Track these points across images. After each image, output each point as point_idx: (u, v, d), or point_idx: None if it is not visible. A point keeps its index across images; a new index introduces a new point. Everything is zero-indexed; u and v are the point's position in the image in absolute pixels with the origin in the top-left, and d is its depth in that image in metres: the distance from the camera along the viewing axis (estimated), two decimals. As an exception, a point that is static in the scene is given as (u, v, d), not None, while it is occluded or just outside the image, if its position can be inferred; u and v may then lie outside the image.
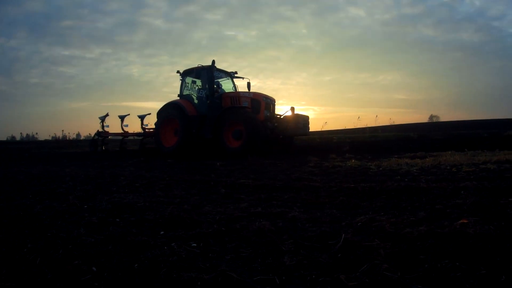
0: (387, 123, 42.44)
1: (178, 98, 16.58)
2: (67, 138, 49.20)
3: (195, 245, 2.96)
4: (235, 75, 17.23)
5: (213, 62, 15.48)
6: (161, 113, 16.18)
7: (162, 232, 3.34)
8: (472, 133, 24.01)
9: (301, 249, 2.77)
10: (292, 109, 15.21)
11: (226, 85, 16.68)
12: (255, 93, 15.44)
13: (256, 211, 4.08)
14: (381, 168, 7.95)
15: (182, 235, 3.21)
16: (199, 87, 16.28)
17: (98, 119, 20.25)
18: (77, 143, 37.48)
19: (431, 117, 71.91)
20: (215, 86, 15.52)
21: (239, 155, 13.18)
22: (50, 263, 2.51)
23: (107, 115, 20.20)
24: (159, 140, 16.04)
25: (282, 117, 15.51)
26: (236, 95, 15.48)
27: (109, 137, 20.87)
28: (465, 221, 3.27)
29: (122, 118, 19.80)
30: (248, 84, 16.94)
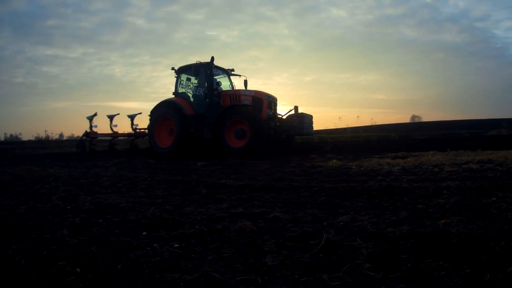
0: (369, 123, 42.77)
1: (173, 96, 16.20)
2: (50, 139, 48.73)
3: (178, 245, 3.01)
4: (232, 72, 17.00)
5: (212, 58, 15.11)
6: (155, 111, 15.82)
7: (144, 233, 3.40)
8: (454, 133, 24.32)
9: (283, 249, 2.80)
10: (296, 108, 15.05)
11: (223, 82, 16.30)
12: (256, 91, 15.05)
13: (238, 211, 4.12)
14: (362, 168, 7.99)
15: (164, 235, 3.27)
16: (195, 84, 15.96)
17: (86, 119, 19.77)
18: (59, 143, 37.40)
19: (413, 117, 72.60)
20: (214, 84, 15.22)
21: (242, 155, 12.83)
22: (35, 264, 2.54)
23: (95, 114, 19.70)
24: (153, 140, 15.70)
25: (285, 116, 15.34)
26: (236, 93, 15.21)
27: (98, 137, 20.36)
28: (448, 220, 3.31)
29: (111, 118, 19.46)
30: (245, 82, 16.62)
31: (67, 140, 48.46)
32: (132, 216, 3.98)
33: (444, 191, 4.75)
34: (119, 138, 20.59)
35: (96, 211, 4.35)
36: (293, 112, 15.06)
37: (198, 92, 15.55)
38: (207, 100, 15.01)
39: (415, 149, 13.22)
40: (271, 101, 15.24)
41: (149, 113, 16.51)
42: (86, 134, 19.58)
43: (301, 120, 14.65)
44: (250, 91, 15.17)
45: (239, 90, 15.54)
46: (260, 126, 13.50)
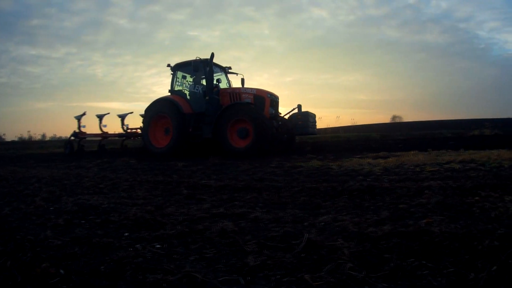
0: (349, 124, 43.01)
1: (169, 94, 15.80)
2: (33, 139, 48.50)
3: (159, 246, 3.04)
4: (229, 70, 16.72)
5: (212, 54, 14.65)
6: (150, 110, 15.42)
7: (126, 234, 3.43)
8: (436, 133, 24.58)
9: (265, 249, 2.83)
10: (299, 106, 14.72)
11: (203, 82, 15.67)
12: (258, 89, 14.64)
13: (219, 212, 4.16)
14: (343, 168, 8.02)
15: (146, 236, 3.30)
16: (191, 82, 15.67)
17: (74, 119, 18.87)
18: (42, 144, 37.22)
19: (394, 117, 72.97)
20: (214, 82, 14.92)
21: (245, 155, 12.70)
22: (20, 266, 2.53)
23: (84, 114, 18.87)
24: (148, 140, 15.32)
25: (289, 115, 15.01)
26: (236, 91, 14.79)
27: (87, 138, 19.56)
28: (430, 220, 3.35)
29: (100, 117, 18.73)
30: (242, 81, 16.39)
31: (49, 141, 48.24)
32: (114, 217, 4.02)
33: (426, 191, 4.79)
34: (109, 138, 19.81)
35: (78, 212, 4.39)
36: (296, 111, 14.70)
37: (196, 89, 15.23)
38: (207, 97, 14.65)
39: (396, 149, 13.34)
40: (274, 100, 15.01)
41: (140, 113, 16.30)
42: (74, 134, 18.79)
43: (306, 119, 14.33)
44: (252, 89, 14.79)
45: (239, 88, 15.20)
46: (265, 126, 13.27)
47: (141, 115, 17.08)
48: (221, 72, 16.27)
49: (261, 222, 3.71)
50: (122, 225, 3.73)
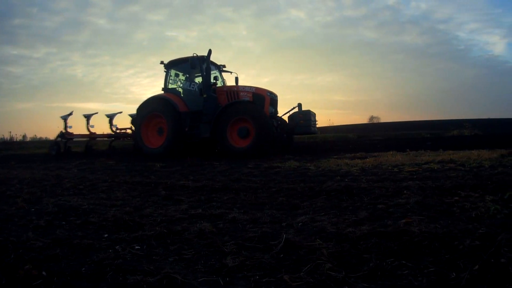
0: (326, 124, 43.29)
1: (163, 92, 15.55)
2: (15, 140, 48.37)
3: (139, 247, 3.09)
4: (223, 68, 16.49)
5: (210, 51, 14.47)
6: (143, 109, 15.08)
7: (106, 235, 3.50)
8: (414, 133, 24.90)
9: (243, 250, 2.86)
10: (299, 105, 14.52)
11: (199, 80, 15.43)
12: (257, 88, 14.43)
13: (197, 213, 4.24)
14: (320, 169, 8.09)
15: (125, 237, 3.36)
16: (183, 80, 15.45)
17: (61, 119, 18.30)
18: (23, 144, 37.26)
19: (371, 118, 73.98)
20: (212, 79, 14.74)
21: (246, 155, 12.51)
22: (4, 268, 2.56)
23: (70, 114, 18.34)
24: (141, 140, 14.94)
25: (289, 114, 14.71)
26: (234, 90, 14.59)
27: (74, 138, 19.17)
28: (409, 220, 3.38)
29: (87, 117, 18.26)
30: (236, 79, 16.23)
31: (30, 141, 48.17)
32: (94, 218, 4.08)
33: (405, 191, 4.84)
34: (98, 139, 19.54)
35: (59, 213, 4.46)
36: (296, 110, 14.50)
37: (192, 87, 14.95)
38: (205, 95, 14.32)
39: (373, 149, 13.50)
40: (273, 98, 14.81)
41: (129, 113, 16.07)
42: (61, 135, 18.31)
43: (308, 118, 14.18)
44: (250, 87, 14.56)
45: (237, 86, 15.00)
46: (267, 125, 13.07)
47: (130, 115, 16.90)
48: (215, 70, 16.05)
49: (239, 223, 3.75)
50: (101, 226, 3.80)
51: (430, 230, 2.99)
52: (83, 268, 2.60)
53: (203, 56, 14.57)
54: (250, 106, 13.64)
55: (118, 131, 17.78)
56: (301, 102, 14.26)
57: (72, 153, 18.01)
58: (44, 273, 2.48)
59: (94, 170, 9.94)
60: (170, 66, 15.71)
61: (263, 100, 14.10)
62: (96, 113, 18.60)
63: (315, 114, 14.96)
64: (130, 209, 4.51)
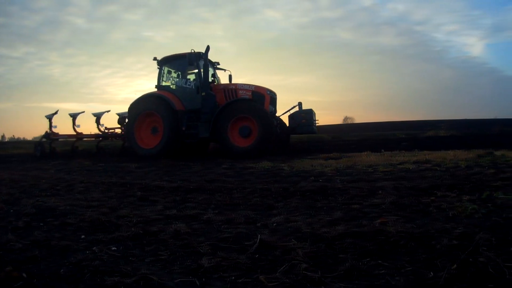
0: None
1: (156, 90, 15.02)
2: None
3: (115, 248, 3.12)
4: (217, 66, 15.98)
5: (208, 47, 14.07)
6: (135, 107, 14.62)
7: (83, 236, 3.52)
8: (388, 134, 25.09)
9: (219, 251, 2.87)
10: (300, 104, 14.24)
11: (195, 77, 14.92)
12: (257, 86, 14.09)
13: (172, 213, 4.29)
14: (294, 169, 8.15)
15: (102, 238, 3.39)
16: (176, 77, 14.99)
17: (46, 118, 17.66)
18: (1, 145, 37.50)
19: (345, 118, 74.38)
20: (211, 77, 14.37)
21: (249, 155, 12.24)
22: None
23: (55, 113, 17.74)
24: (134, 141, 14.48)
25: (289, 113, 14.36)
26: (231, 88, 14.24)
27: (59, 139, 18.42)
28: (385, 220, 3.43)
29: (73, 116, 17.57)
30: (230, 77, 15.90)
31: (8, 142, 47.96)
32: (71, 219, 4.13)
33: (380, 191, 4.92)
34: (84, 139, 18.80)
35: (37, 214, 4.51)
36: (296, 109, 14.20)
37: (189, 85, 14.50)
38: (203, 93, 13.90)
39: (348, 150, 13.57)
40: (272, 97, 14.53)
41: (117, 112, 15.65)
42: (46, 135, 17.70)
43: (310, 117, 13.96)
44: (250, 85, 14.20)
45: (235, 84, 14.52)
46: (270, 124, 12.90)
47: (118, 114, 16.52)
48: (210, 67, 15.29)
49: (214, 224, 3.77)
50: (79, 227, 3.84)
51: (406, 229, 3.04)
52: (62, 270, 2.63)
53: (199, 53, 14.24)
54: (252, 105, 13.42)
55: (106, 131, 17.26)
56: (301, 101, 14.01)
57: (57, 154, 17.38)
58: (24, 274, 2.51)
59: (71, 171, 9.99)
60: (163, 62, 15.24)
61: (263, 98, 13.87)
62: (83, 112, 17.98)
63: (315, 113, 14.71)
64: (106, 209, 4.55)
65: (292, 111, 14.34)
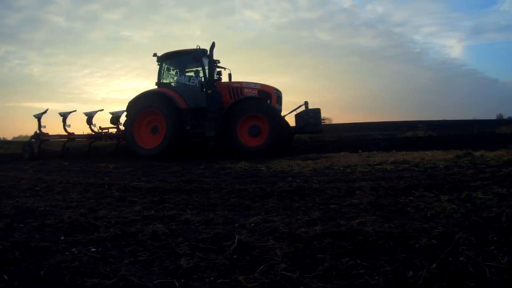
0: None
1: (156, 87, 14.59)
2: None
3: (95, 249, 3.14)
4: (218, 64, 15.09)
5: (213, 44, 13.73)
6: (135, 105, 14.10)
7: (62, 237, 3.55)
8: (366, 135, 25.29)
9: (197, 251, 2.89)
10: (306, 103, 13.74)
11: (198, 75, 14.54)
12: (263, 84, 13.88)
13: (150, 214, 4.30)
14: (272, 170, 8.18)
15: (81, 239, 3.42)
16: (174, 75, 14.65)
17: (34, 118, 16.77)
18: None
19: (323, 119, 74.45)
20: (216, 75, 14.05)
21: (260, 155, 12.07)
22: None
23: (45, 112, 16.82)
24: (134, 141, 13.98)
25: (295, 112, 14.00)
26: (236, 86, 13.93)
27: (50, 139, 17.45)
28: (363, 220, 3.46)
29: (64, 116, 16.64)
30: (230, 76, 15.37)
31: None
32: (50, 220, 4.13)
33: (357, 191, 4.95)
34: (76, 140, 17.75)
35: (17, 215, 4.51)
36: (303, 108, 13.70)
37: (192, 82, 14.08)
38: (209, 91, 13.51)
39: (325, 150, 13.60)
40: (279, 95, 14.31)
41: (110, 111, 15.17)
42: (36, 135, 16.79)
43: (317, 116, 13.49)
44: (256, 83, 13.96)
45: (241, 82, 14.13)
46: (280, 123, 12.80)
47: (111, 113, 16.01)
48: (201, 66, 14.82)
49: (192, 224, 3.80)
50: (58, 228, 3.86)
51: (384, 229, 3.06)
52: (42, 271, 2.64)
53: (204, 50, 13.94)
54: (263, 103, 13.24)
55: (100, 130, 16.42)
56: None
57: (48, 155, 16.68)
58: (5, 276, 2.54)
59: (49, 171, 9.98)
60: (163, 59, 14.78)
61: (270, 97, 13.69)
62: (74, 111, 17.07)
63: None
64: (85, 210, 4.56)
65: (298, 111, 14.01)
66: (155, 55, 14.80)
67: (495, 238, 2.84)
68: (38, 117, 16.72)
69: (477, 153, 9.27)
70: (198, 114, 13.66)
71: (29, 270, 2.67)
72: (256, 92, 13.70)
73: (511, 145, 11.76)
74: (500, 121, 37.00)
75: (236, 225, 3.68)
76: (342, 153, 11.82)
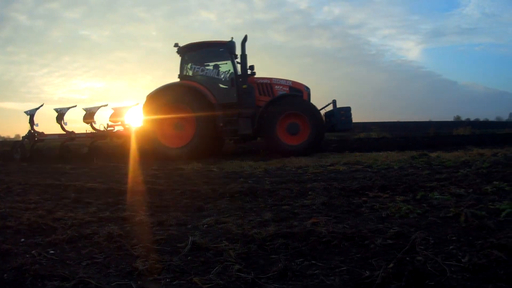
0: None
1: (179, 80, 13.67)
2: None
3: (53, 252, 3.14)
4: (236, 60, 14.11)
5: (246, 37, 13.16)
6: (159, 98, 12.99)
7: (23, 239, 3.55)
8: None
9: (152, 253, 2.90)
10: (334, 102, 13.56)
11: (225, 69, 13.67)
12: (294, 81, 13.49)
13: (105, 216, 4.31)
14: (224, 171, 8.22)
15: (40, 241, 3.44)
16: (202, 67, 13.63)
17: (25, 115, 14.74)
18: None
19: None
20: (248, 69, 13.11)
21: (299, 154, 11.60)
22: None
23: (39, 107, 15.03)
24: (156, 138, 12.97)
25: (324, 110, 13.63)
26: (266, 82, 13.41)
27: (45, 139, 15.15)
28: (316, 220, 3.51)
29: (60, 112, 14.55)
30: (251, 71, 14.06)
31: None
32: (11, 222, 4.12)
33: (310, 192, 5.01)
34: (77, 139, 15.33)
35: None
36: (331, 106, 13.51)
37: (222, 76, 13.42)
38: (245, 86, 12.86)
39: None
40: (309, 93, 13.87)
41: (83, 107, 13.79)
42: (29, 135, 14.70)
43: (348, 114, 13.19)
44: (286, 80, 13.49)
45: (270, 78, 13.58)
46: (322, 122, 12.58)
47: (85, 109, 14.30)
48: (229, 59, 13.82)
49: (146, 225, 3.81)
50: (18, 230, 3.86)
51: (338, 230, 3.12)
52: (5, 275, 2.64)
53: (231, 42, 13.14)
54: (304, 101, 13.02)
55: (104, 128, 14.22)
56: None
57: (42, 156, 14.64)
58: None
59: (9, 172, 9.87)
60: (186, 50, 13.82)
61: (301, 94, 13.39)
62: (74, 106, 15.02)
63: None
64: (43, 212, 4.54)
65: (327, 109, 13.75)
66: (176, 45, 13.85)
67: (454, 238, 2.92)
68: (31, 113, 14.75)
69: (433, 154, 9.47)
70: (229, 110, 12.97)
71: (-8, 274, 2.69)
72: (287, 89, 13.35)
73: (469, 146, 12.01)
74: (457, 123, 37.74)
75: (189, 226, 3.70)
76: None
